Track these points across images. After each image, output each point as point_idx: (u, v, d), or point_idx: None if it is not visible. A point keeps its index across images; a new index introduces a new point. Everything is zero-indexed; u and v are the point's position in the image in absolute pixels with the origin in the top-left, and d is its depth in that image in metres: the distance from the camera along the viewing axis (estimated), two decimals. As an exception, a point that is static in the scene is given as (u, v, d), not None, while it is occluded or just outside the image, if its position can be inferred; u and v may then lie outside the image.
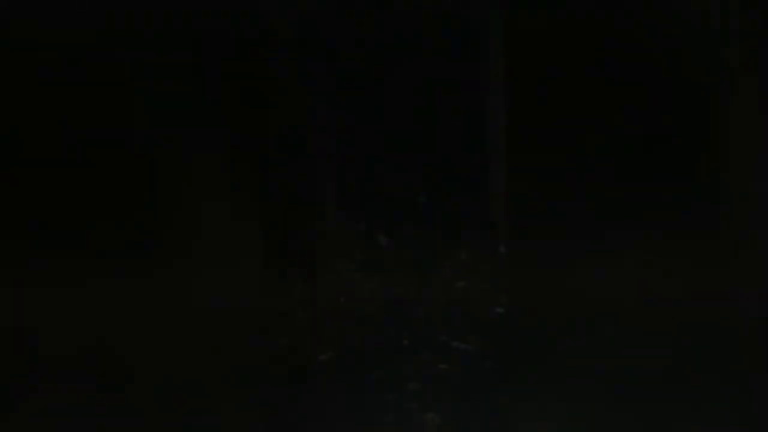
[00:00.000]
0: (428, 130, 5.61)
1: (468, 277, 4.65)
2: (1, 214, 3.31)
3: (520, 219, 3.59)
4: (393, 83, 5.71)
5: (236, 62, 3.66)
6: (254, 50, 3.74)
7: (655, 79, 3.37)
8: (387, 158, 5.54)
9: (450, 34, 5.93)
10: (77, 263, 3.37)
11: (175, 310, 3.49)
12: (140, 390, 3.36)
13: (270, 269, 4.54)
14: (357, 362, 3.92)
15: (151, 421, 3.32)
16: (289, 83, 5.64)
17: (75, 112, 3.35)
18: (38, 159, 3.35)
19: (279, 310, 4.31)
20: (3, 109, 3.31)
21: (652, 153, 3.39)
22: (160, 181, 3.49)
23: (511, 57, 3.57)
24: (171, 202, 3.49)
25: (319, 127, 5.54)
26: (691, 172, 3.35)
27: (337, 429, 3.46)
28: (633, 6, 3.36)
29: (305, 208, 5.45)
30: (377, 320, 4.30)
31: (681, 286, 3.38)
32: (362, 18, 5.66)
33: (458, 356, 3.91)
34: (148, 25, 3.35)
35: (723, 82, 3.30)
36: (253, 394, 3.68)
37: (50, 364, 3.29)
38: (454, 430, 3.42)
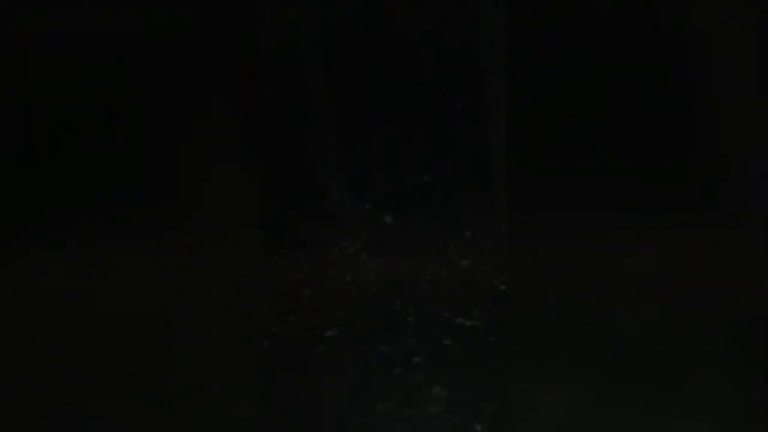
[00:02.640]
0: (431, 113, 5.64)
1: (471, 255, 4.69)
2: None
3: (522, 199, 3.64)
4: (396, 68, 5.74)
5: (236, 50, 3.70)
6: (257, 37, 3.77)
7: (653, 74, 3.41)
8: (391, 140, 5.58)
9: (452, 23, 5.96)
10: (83, 240, 3.39)
11: (185, 290, 3.53)
12: (149, 368, 3.40)
13: (276, 249, 4.61)
14: (363, 338, 3.96)
15: (160, 399, 3.35)
16: (296, 68, 5.67)
17: (85, 97, 3.39)
18: (50, 137, 3.39)
19: (286, 289, 4.36)
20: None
21: (650, 141, 3.43)
22: (166, 165, 3.52)
23: (511, 44, 3.61)
24: (176, 186, 3.52)
25: (325, 110, 5.58)
26: (687, 165, 3.39)
27: (345, 403, 3.50)
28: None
29: (311, 189, 5.50)
30: (383, 298, 4.34)
31: (677, 267, 3.41)
32: (366, 8, 5.70)
33: (462, 331, 3.95)
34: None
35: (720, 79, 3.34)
36: (261, 371, 3.73)
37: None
38: (459, 402, 3.46)
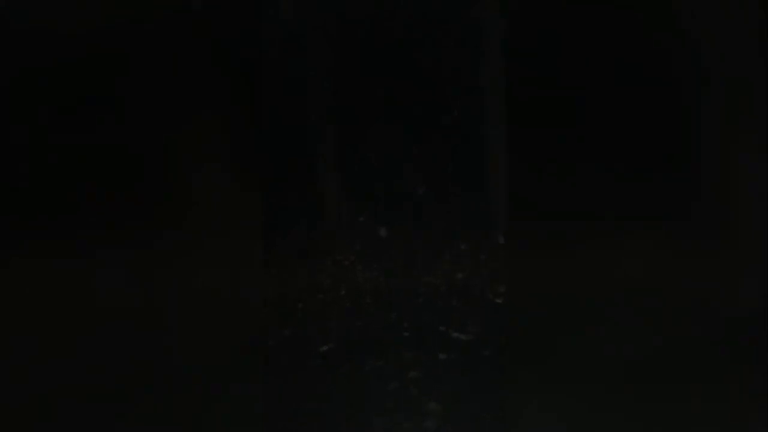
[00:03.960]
0: (427, 123, 5.63)
1: (467, 267, 4.67)
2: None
3: (519, 210, 3.62)
4: (392, 76, 5.73)
5: (235, 55, 3.67)
6: (252, 43, 3.75)
7: (653, 82, 3.40)
8: (386, 151, 5.56)
9: (449, 29, 5.94)
10: (81, 244, 3.37)
11: (177, 301, 3.52)
12: (139, 380, 3.38)
13: (271, 260, 4.57)
14: (358, 352, 3.95)
15: (152, 411, 3.34)
16: (290, 77, 5.65)
17: (81, 99, 3.36)
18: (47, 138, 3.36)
19: (280, 301, 4.33)
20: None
21: (649, 149, 3.42)
22: (162, 174, 3.50)
23: (510, 51, 3.60)
24: (172, 193, 3.50)
25: (320, 120, 5.56)
26: (688, 172, 3.38)
27: (339, 419, 3.49)
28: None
29: (306, 200, 5.48)
30: (377, 311, 4.32)
31: (678, 275, 3.40)
32: (364, 11, 5.67)
33: (458, 345, 3.93)
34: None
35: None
36: (254, 385, 3.71)
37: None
38: (455, 418, 3.45)
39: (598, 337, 3.37)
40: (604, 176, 3.49)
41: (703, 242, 3.42)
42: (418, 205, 5.27)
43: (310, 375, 3.80)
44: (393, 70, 5.62)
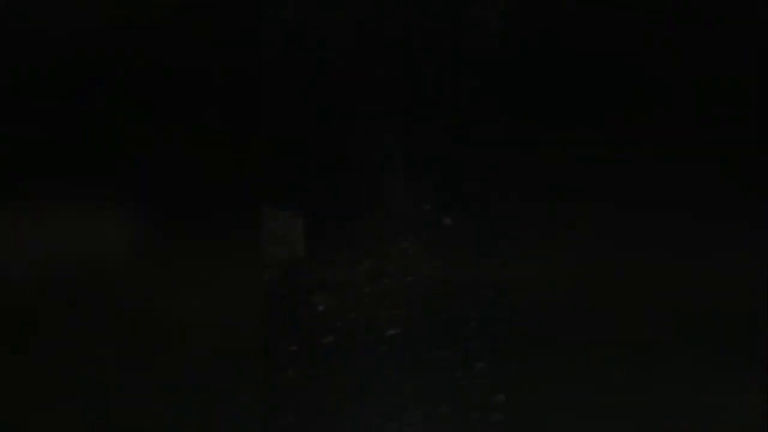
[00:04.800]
0: (489, 114, 5.64)
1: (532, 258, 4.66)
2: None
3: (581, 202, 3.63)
4: (458, 71, 5.75)
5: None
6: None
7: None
8: (451, 142, 5.57)
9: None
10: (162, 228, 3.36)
11: (250, 282, 3.53)
12: (210, 355, 3.39)
13: (340, 247, 4.61)
14: (424, 339, 3.96)
15: (212, 389, 3.33)
16: (361, 85, 5.67)
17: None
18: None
19: (348, 286, 4.36)
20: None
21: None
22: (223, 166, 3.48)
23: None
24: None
25: (389, 114, 5.60)
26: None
27: (404, 404, 3.50)
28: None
29: (374, 190, 5.49)
30: (443, 299, 4.32)
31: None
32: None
33: (525, 337, 3.92)
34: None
35: None
36: (319, 366, 3.74)
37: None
38: (521, 410, 3.44)
39: (670, 327, 3.34)
40: (670, 165, 3.45)
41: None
42: (484, 196, 5.25)
43: (376, 358, 3.82)
44: (453, 78, 5.65)
